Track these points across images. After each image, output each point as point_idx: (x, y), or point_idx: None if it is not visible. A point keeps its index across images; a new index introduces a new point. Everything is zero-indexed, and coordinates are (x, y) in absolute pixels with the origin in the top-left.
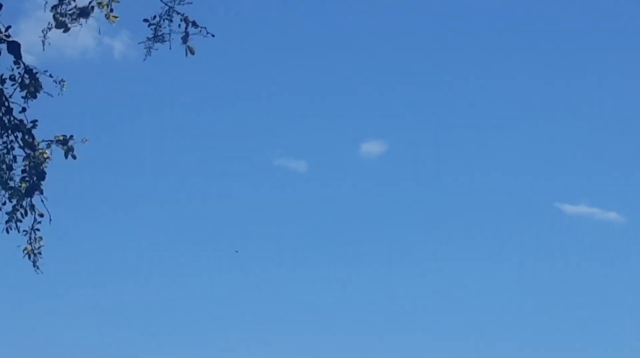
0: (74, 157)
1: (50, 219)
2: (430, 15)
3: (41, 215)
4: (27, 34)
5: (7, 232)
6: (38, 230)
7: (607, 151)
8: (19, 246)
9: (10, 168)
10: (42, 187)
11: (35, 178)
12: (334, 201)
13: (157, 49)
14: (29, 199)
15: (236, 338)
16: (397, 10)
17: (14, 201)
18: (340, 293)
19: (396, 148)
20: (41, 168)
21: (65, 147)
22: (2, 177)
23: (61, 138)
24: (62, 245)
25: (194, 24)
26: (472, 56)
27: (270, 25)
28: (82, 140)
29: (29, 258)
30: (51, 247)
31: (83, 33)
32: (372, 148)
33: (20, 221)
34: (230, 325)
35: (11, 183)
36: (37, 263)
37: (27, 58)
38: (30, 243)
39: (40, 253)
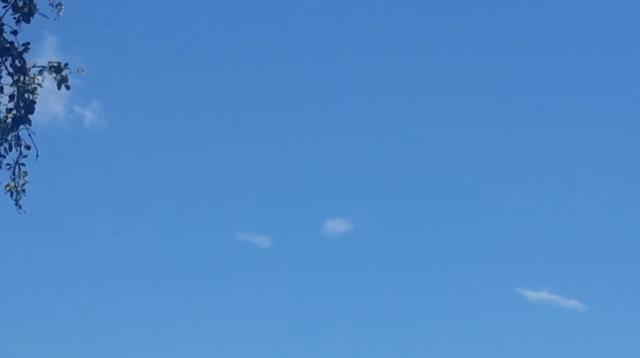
0: (67, 87)
1: (37, 155)
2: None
3: (28, 147)
4: None
5: None
6: (23, 164)
7: (568, 238)
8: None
9: None
10: (30, 119)
11: (23, 110)
12: (298, 277)
13: None
14: (15, 132)
15: None
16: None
17: None
18: None
19: (361, 226)
20: (31, 98)
21: (58, 76)
22: None
23: (55, 64)
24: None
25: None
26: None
27: (242, 89)
28: (78, 70)
29: (11, 196)
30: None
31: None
32: (337, 226)
33: (4, 156)
34: None
35: None
36: (20, 202)
37: None
38: (14, 179)
39: (24, 191)
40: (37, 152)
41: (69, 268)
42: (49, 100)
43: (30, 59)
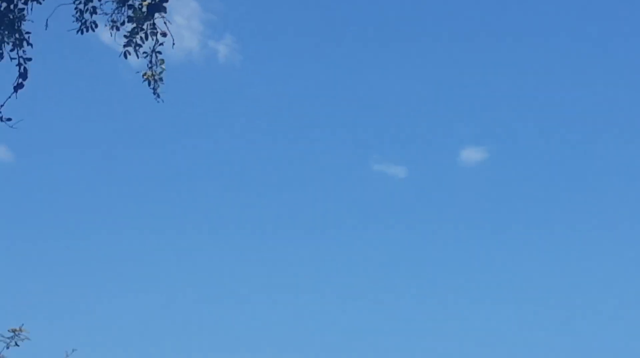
0: None
1: (174, 43)
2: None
3: (164, 34)
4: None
5: (125, 57)
6: (160, 52)
7: None
8: (137, 72)
9: None
10: (165, 6)
11: None
12: (433, 207)
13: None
14: (150, 20)
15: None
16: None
17: (134, 23)
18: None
19: (496, 156)
20: None
21: None
22: None
23: None
24: None
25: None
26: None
27: (377, 30)
28: None
29: (149, 84)
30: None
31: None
32: (472, 154)
33: (140, 45)
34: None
35: (131, 1)
36: (158, 91)
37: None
38: (151, 68)
39: (162, 79)
40: (173, 40)
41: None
42: (183, 35)
43: None
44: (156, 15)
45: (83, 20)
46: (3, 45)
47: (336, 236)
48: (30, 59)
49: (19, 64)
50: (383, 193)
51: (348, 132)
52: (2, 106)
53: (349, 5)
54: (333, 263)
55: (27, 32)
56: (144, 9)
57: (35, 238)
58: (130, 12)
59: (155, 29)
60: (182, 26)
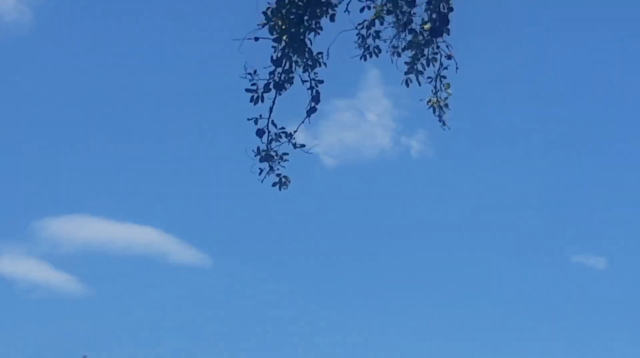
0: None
1: (457, 68)
2: None
3: (449, 57)
4: (327, 136)
5: (407, 85)
6: (444, 77)
7: None
8: (421, 100)
9: (411, 4)
10: (448, 29)
11: (437, 21)
12: (634, 299)
13: None
14: (432, 45)
15: None
16: None
17: (413, 50)
18: None
19: None
20: (445, 8)
21: None
22: (400, 17)
23: None
24: None
25: None
26: None
27: None
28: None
29: (434, 112)
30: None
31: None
32: None
33: (421, 72)
34: None
35: (412, 25)
36: (444, 118)
37: (326, 159)
38: (436, 94)
39: (447, 106)
40: (457, 64)
41: None
42: (376, 133)
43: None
44: (439, 39)
45: (366, 46)
46: (294, 68)
47: (539, 329)
48: (322, 82)
49: (311, 88)
50: (582, 284)
51: (546, 222)
52: (295, 131)
53: None
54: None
55: (319, 53)
56: (426, 34)
57: None
58: (410, 37)
59: (438, 53)
60: (374, 124)
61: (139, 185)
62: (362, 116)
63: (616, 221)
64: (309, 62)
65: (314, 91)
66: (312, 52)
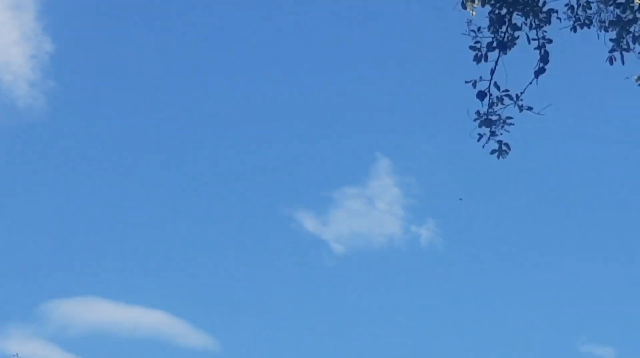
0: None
1: None
2: None
3: None
4: (336, 223)
5: (610, 63)
6: None
7: None
8: (627, 77)
9: None
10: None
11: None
12: None
13: None
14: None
15: None
16: None
17: (618, 26)
18: None
19: None
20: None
21: None
22: None
23: None
24: None
25: None
26: None
27: None
28: None
29: None
30: None
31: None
32: None
33: (627, 49)
34: None
35: None
36: None
37: (335, 247)
38: None
39: None
40: None
41: None
42: (384, 221)
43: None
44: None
45: (576, 16)
46: (522, 27)
47: None
48: (550, 41)
49: (539, 47)
50: None
51: (553, 311)
52: (522, 93)
53: None
54: None
55: (551, 10)
56: (635, 9)
57: None
58: (618, 11)
59: None
60: (384, 212)
61: (149, 268)
62: (372, 204)
63: (623, 313)
64: (536, 21)
65: (542, 50)
66: (541, 10)
